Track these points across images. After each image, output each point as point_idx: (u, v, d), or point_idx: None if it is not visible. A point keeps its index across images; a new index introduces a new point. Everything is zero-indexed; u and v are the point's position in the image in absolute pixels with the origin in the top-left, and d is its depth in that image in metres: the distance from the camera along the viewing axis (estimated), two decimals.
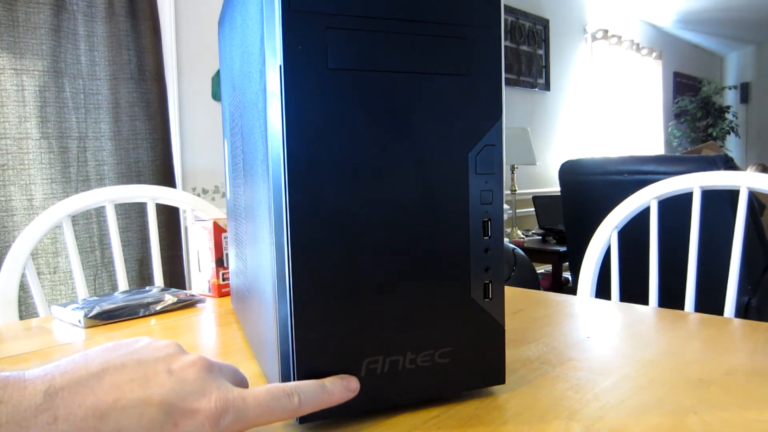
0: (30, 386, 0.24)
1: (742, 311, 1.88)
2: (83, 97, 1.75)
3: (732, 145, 6.70)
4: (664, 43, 5.85)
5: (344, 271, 0.36)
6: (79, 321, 0.66)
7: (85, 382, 0.25)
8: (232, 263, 0.65)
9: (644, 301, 0.88)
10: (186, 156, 2.11)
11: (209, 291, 0.82)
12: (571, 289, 2.96)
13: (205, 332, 0.64)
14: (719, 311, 0.82)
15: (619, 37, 4.92)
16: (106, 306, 0.69)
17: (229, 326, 0.65)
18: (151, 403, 0.26)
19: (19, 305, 0.98)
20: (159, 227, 1.19)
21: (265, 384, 0.45)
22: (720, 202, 1.70)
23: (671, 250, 1.22)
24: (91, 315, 0.67)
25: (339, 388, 0.34)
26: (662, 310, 0.68)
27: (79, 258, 1.02)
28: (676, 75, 6.20)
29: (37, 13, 1.63)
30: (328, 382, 0.34)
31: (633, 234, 1.14)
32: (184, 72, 2.10)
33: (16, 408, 0.23)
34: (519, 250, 2.52)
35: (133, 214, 1.84)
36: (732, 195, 1.63)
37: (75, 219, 1.70)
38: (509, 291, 0.79)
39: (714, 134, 5.93)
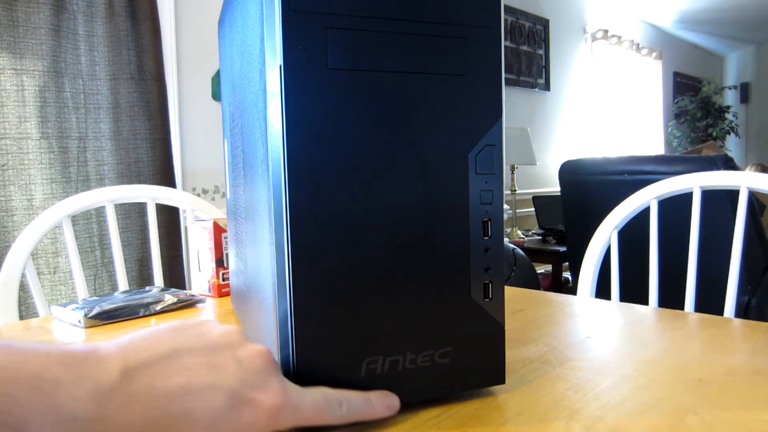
0: (106, 363, 0.25)
1: (742, 311, 1.88)
2: (83, 97, 1.75)
3: (732, 145, 6.70)
4: (664, 43, 5.85)
5: (344, 271, 0.36)
6: (79, 321, 0.66)
7: (158, 363, 0.26)
8: (232, 263, 0.65)
9: (644, 301, 0.88)
10: (186, 156, 2.11)
11: (209, 291, 0.82)
12: (571, 289, 2.96)
13: None
14: (719, 311, 0.82)
15: (619, 37, 4.92)
16: (106, 306, 0.69)
17: None
18: (217, 389, 0.27)
19: (19, 305, 0.98)
20: (159, 227, 1.19)
21: None
22: (720, 202, 1.70)
23: (671, 250, 1.22)
24: (91, 315, 0.67)
25: (381, 404, 0.35)
26: (662, 310, 0.68)
27: (79, 258, 1.02)
28: (676, 75, 6.20)
29: (37, 13, 1.63)
30: (373, 397, 0.35)
31: (633, 234, 1.14)
32: (184, 72, 2.10)
33: (95, 385, 0.24)
34: (519, 250, 2.52)
35: (133, 214, 1.84)
36: (732, 195, 1.63)
37: (75, 219, 1.70)
38: (509, 291, 0.79)
39: (714, 134, 5.93)
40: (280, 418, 0.29)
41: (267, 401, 0.29)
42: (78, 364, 0.24)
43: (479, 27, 0.38)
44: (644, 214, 1.00)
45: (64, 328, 0.67)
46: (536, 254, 2.86)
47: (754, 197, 1.87)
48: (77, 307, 0.68)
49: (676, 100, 6.10)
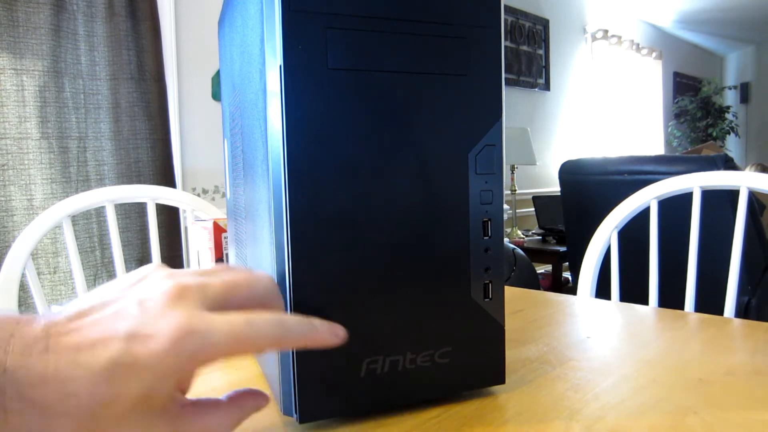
0: (36, 323, 0.27)
1: (742, 311, 1.88)
2: (83, 97, 1.75)
3: (732, 145, 6.70)
4: (664, 43, 5.85)
5: (344, 271, 0.36)
6: None
7: (75, 318, 0.28)
8: (232, 263, 0.65)
9: (644, 301, 0.88)
10: (186, 156, 2.11)
11: None
12: (571, 289, 2.96)
13: None
14: (719, 311, 0.82)
15: (619, 37, 4.92)
16: None
17: None
18: (115, 337, 0.27)
19: (19, 305, 0.98)
20: (159, 227, 1.19)
21: (266, 385, 0.45)
22: (720, 202, 1.70)
23: (671, 250, 1.22)
24: None
25: (327, 330, 0.32)
26: (662, 310, 0.68)
27: (79, 258, 1.02)
28: (676, 75, 6.20)
29: (37, 13, 1.63)
30: (318, 322, 0.32)
31: (633, 234, 1.14)
32: (184, 72, 2.10)
33: (23, 340, 0.26)
34: (519, 250, 2.52)
35: (133, 214, 1.84)
36: (732, 195, 1.64)
37: (75, 219, 1.70)
38: (509, 291, 0.79)
39: (714, 134, 5.93)
40: (186, 346, 0.27)
41: (164, 332, 0.27)
42: (12, 324, 0.26)
43: (479, 27, 0.38)
44: (644, 214, 1.00)
45: None
46: (536, 254, 2.86)
47: (754, 197, 1.87)
48: None
49: (676, 100, 6.10)
